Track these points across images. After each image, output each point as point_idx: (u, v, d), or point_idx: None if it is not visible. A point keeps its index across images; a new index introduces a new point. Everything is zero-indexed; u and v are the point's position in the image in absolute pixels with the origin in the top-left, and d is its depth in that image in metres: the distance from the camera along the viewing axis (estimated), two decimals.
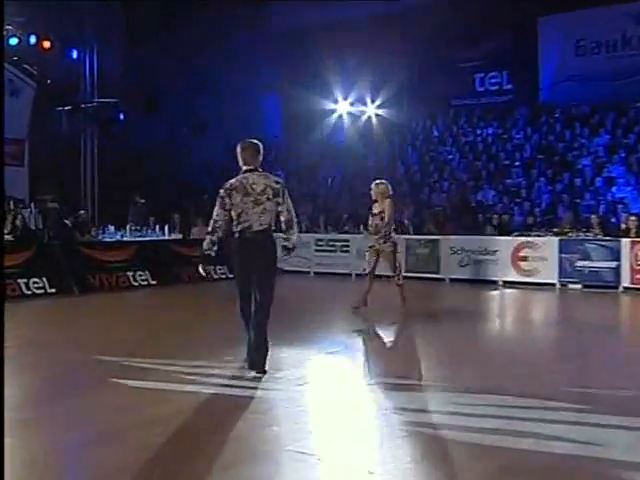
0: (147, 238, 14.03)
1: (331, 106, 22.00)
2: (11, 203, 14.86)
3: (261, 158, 5.93)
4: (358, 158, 20.38)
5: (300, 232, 15.86)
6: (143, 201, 16.26)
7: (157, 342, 7.36)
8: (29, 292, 11.28)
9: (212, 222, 5.86)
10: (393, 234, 9.51)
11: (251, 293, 5.78)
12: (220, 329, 8.07)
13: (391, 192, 9.47)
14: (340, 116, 22.15)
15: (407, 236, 14.87)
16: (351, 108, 22.01)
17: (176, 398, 5.13)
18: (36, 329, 8.40)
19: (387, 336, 8.07)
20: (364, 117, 21.87)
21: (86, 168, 18.23)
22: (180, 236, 15.05)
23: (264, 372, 5.73)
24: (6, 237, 11.87)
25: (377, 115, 21.62)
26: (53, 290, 11.59)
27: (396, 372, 6.01)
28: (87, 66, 17.74)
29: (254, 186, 5.83)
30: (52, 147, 17.44)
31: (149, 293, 12.49)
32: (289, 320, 9.09)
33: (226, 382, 5.57)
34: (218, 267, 14.58)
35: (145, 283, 13.01)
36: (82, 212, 15.21)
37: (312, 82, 21.02)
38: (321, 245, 15.80)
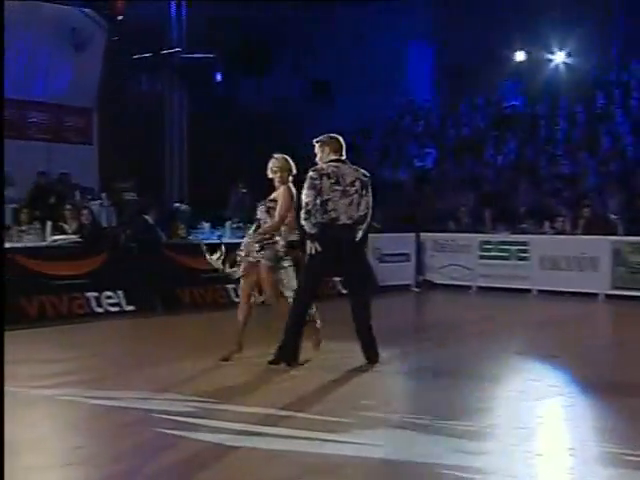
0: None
1: (504, 56, 21.65)
2: (76, 194, 15.61)
3: None
4: (540, 128, 19.98)
5: (458, 231, 15.95)
6: (245, 190, 16.54)
7: (257, 384, 7.46)
8: (100, 309, 11.73)
9: (304, 206, 7.61)
10: (281, 238, 8.26)
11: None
12: (344, 362, 8.06)
13: (294, 172, 8.31)
14: (516, 69, 21.76)
15: (614, 237, 14.39)
16: (532, 58, 21.59)
17: (288, 458, 5.17)
18: (94, 361, 8.54)
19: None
20: (549, 70, 21.37)
21: (173, 146, 18.77)
22: (296, 236, 15.16)
23: (377, 361, 7.80)
24: (71, 238, 12.39)
25: (568, 66, 21.08)
26: (131, 307, 12.00)
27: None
28: (173, 9, 18.23)
29: (345, 176, 7.70)
30: (128, 118, 17.97)
31: (255, 312, 12.56)
32: (445, 351, 9.00)
33: (355, 439, 5.55)
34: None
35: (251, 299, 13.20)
36: (182, 205, 15.72)
37: (476, 23, 20.76)
38: (488, 250, 15.62)
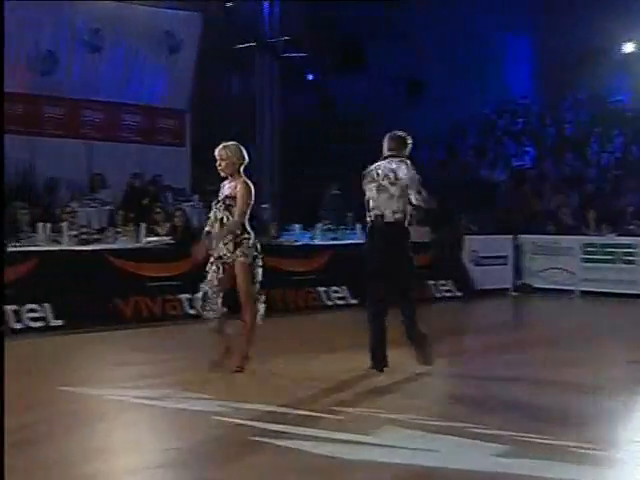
0: (344, 241, 14.22)
1: (609, 47, 21.20)
2: (168, 195, 15.91)
3: None
4: None
5: (559, 233, 15.67)
6: (339, 191, 16.57)
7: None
8: (193, 311, 11.75)
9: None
10: (251, 235, 7.82)
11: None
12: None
13: (247, 160, 7.88)
14: (624, 62, 21.25)
15: None
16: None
17: None
18: (185, 363, 8.51)
19: None
20: None
21: (264, 146, 18.96)
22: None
23: (429, 363, 7.85)
24: (164, 239, 12.64)
25: None
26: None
27: None
28: (266, 9, 18.40)
29: (397, 171, 8.03)
30: (220, 119, 18.22)
31: (347, 316, 12.43)
32: (546, 359, 8.87)
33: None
34: (441, 282, 14.58)
35: (342, 302, 13.27)
36: (264, 206, 15.78)
37: (578, 12, 20.39)
38: (591, 252, 15.33)
